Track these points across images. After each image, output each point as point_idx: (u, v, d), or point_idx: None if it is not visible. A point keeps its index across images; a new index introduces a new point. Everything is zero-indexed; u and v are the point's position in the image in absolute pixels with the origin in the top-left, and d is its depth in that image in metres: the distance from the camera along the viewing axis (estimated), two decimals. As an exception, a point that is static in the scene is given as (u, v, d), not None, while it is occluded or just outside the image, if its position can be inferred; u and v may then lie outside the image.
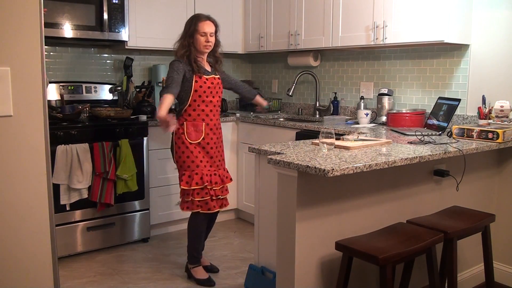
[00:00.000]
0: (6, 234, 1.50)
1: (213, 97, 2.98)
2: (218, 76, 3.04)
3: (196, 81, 2.90)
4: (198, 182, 2.90)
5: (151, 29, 3.98)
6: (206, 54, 3.00)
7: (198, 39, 2.91)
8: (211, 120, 2.99)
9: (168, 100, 2.77)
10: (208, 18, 2.97)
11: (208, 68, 3.03)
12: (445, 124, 2.97)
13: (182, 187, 2.93)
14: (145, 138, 3.67)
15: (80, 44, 3.97)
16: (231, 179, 3.13)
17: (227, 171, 3.13)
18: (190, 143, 2.93)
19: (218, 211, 3.07)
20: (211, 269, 3.19)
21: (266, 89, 4.92)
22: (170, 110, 4.13)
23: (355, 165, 1.92)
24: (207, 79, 2.94)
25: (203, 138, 2.96)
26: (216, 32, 2.99)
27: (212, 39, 2.95)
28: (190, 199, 2.92)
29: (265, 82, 4.96)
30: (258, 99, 3.39)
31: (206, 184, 2.90)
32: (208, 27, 2.92)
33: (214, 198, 2.96)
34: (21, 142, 1.50)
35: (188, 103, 2.93)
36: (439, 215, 2.41)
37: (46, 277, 1.59)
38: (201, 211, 2.94)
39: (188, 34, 2.93)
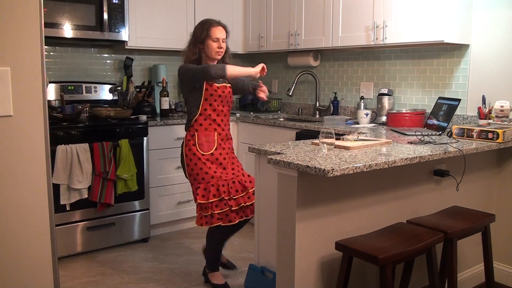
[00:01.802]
0: (6, 234, 1.50)
1: (224, 106, 2.85)
2: (229, 85, 2.90)
3: (206, 89, 2.76)
4: (215, 194, 2.73)
5: (151, 29, 3.97)
6: (217, 61, 2.88)
7: (210, 45, 2.79)
8: (222, 130, 2.85)
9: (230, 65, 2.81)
10: (219, 23, 2.85)
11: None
12: (445, 124, 2.97)
13: (198, 201, 2.74)
14: (145, 138, 3.67)
15: (80, 44, 3.97)
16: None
17: (248, 175, 2.91)
18: (203, 155, 2.77)
19: (246, 221, 2.86)
20: (229, 266, 3.16)
21: (266, 89, 4.91)
22: (172, 111, 4.21)
23: (355, 165, 1.92)
24: (218, 87, 2.80)
25: (216, 149, 2.80)
26: (226, 38, 2.87)
27: (224, 45, 2.83)
28: (209, 213, 2.73)
29: (265, 82, 4.91)
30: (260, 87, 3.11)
31: (223, 195, 2.73)
32: (220, 33, 2.81)
33: (234, 208, 2.76)
34: (21, 142, 1.50)
35: (199, 112, 2.78)
36: (439, 215, 2.41)
37: (46, 277, 1.59)
38: (222, 224, 2.76)
39: (199, 40, 2.80)
